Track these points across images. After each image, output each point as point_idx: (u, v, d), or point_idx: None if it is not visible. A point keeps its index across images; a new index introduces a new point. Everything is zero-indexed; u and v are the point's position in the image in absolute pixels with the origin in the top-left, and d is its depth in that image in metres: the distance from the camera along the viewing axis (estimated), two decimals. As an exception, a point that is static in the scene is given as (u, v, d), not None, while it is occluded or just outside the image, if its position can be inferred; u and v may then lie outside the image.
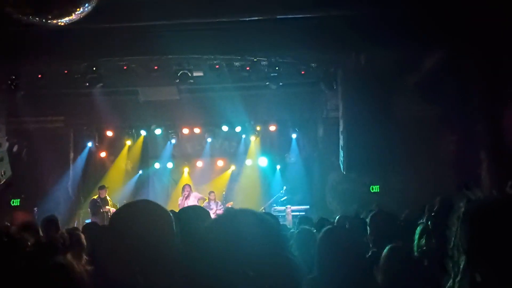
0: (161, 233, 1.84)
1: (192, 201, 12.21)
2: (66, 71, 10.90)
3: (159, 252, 1.81)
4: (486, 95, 9.40)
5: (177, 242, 1.92)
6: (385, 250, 2.96)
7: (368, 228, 3.69)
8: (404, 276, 2.69)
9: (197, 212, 2.88)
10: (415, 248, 4.40)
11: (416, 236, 4.48)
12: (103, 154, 14.36)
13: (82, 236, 3.65)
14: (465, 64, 9.46)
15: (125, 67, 10.94)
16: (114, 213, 1.95)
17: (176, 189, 14.18)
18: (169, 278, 1.81)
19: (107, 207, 11.86)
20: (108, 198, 12.10)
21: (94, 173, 14.06)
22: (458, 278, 1.72)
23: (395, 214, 3.90)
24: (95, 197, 12.10)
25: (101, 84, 11.08)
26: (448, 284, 1.78)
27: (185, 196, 12.30)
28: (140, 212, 1.90)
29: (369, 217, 3.71)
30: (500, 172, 8.88)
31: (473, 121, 9.85)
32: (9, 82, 10.68)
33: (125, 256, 1.78)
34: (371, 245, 3.78)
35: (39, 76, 10.96)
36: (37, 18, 4.87)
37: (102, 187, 12.24)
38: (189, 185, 12.73)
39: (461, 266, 1.71)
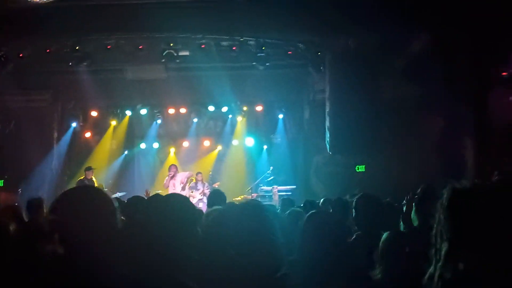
0: (101, 221, 1.80)
1: (178, 181, 12.21)
2: (48, 50, 10.70)
3: (100, 239, 1.76)
4: (470, 79, 9.48)
5: (120, 229, 1.88)
6: (384, 236, 2.95)
7: (353, 211, 3.73)
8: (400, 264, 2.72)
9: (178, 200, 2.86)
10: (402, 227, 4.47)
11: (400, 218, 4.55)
12: (87, 134, 14.24)
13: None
14: (450, 47, 9.50)
15: (108, 46, 10.77)
16: (54, 201, 1.89)
17: (162, 169, 14.16)
18: (114, 264, 1.79)
19: None
20: (94, 179, 12.04)
21: (79, 153, 13.94)
22: (440, 264, 1.74)
23: (379, 197, 3.95)
24: (82, 177, 12.02)
25: (86, 63, 10.90)
26: (430, 270, 1.80)
27: (171, 176, 12.29)
28: (78, 200, 1.84)
29: (354, 200, 3.75)
30: (484, 155, 9.02)
31: (458, 104, 9.94)
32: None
33: (67, 243, 1.75)
34: (356, 228, 3.83)
35: (21, 55, 10.74)
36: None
37: (89, 169, 12.15)
38: (175, 165, 12.71)
39: (443, 253, 1.74)
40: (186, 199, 2.51)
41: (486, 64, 9.28)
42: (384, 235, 2.91)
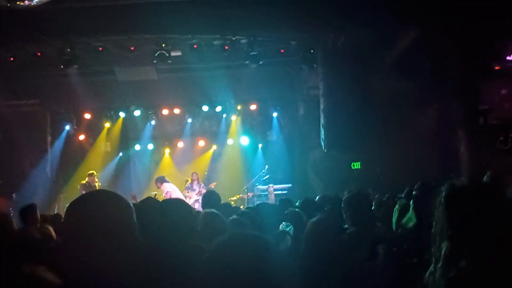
0: (120, 224, 1.74)
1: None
2: (39, 53, 10.60)
3: (118, 244, 1.71)
4: (461, 72, 9.50)
5: (137, 233, 1.83)
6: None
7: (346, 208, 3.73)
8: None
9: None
10: (394, 226, 4.46)
11: (395, 214, 4.54)
12: (81, 137, 14.16)
13: (50, 229, 3.47)
14: (440, 41, 9.50)
15: (100, 48, 10.69)
16: (69, 205, 1.81)
17: (157, 170, 14.11)
18: (131, 270, 1.73)
19: None
20: (97, 183, 11.93)
21: (73, 156, 13.87)
22: (440, 264, 1.72)
23: (368, 194, 3.97)
24: (84, 182, 11.89)
25: (76, 66, 10.81)
26: (430, 269, 1.79)
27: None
28: (97, 202, 1.78)
29: (344, 201, 3.74)
30: (477, 148, 9.04)
31: (450, 98, 9.95)
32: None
33: (82, 249, 1.67)
34: (349, 224, 3.83)
35: (12, 58, 10.62)
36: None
37: (91, 175, 12.02)
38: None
39: (443, 252, 1.72)
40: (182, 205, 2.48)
41: (477, 58, 9.29)
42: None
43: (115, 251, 1.69)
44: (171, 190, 11.82)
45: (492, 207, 1.65)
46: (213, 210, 3.61)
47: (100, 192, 1.95)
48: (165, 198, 11.76)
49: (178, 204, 2.72)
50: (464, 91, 9.81)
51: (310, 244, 2.55)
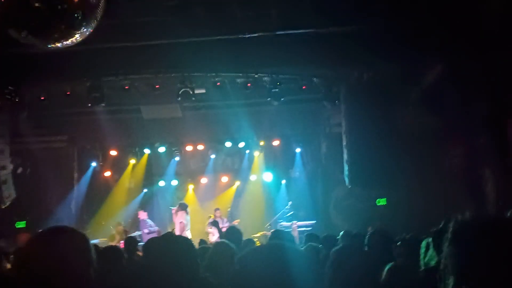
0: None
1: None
2: (68, 92, 10.96)
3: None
4: (489, 108, 9.33)
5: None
6: (385, 269, 2.91)
7: (365, 247, 3.66)
8: None
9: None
10: (422, 263, 4.34)
11: (422, 250, 4.42)
12: (107, 173, 14.39)
13: None
14: (468, 76, 9.40)
15: (127, 87, 10.99)
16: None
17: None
18: None
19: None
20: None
21: (98, 192, 14.07)
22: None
23: (390, 234, 3.90)
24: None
25: (104, 104, 11.11)
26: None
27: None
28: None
29: (366, 239, 3.68)
30: (505, 185, 8.78)
31: (477, 134, 9.75)
32: (12, 103, 10.66)
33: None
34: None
35: (42, 97, 11.00)
36: (36, 42, 4.89)
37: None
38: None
39: (450, 288, 1.67)
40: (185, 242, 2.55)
41: (503, 93, 9.13)
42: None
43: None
44: (185, 222, 11.81)
45: (499, 242, 1.59)
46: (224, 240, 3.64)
47: (59, 229, 1.94)
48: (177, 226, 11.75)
49: (179, 242, 2.79)
50: (491, 125, 9.61)
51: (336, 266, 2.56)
